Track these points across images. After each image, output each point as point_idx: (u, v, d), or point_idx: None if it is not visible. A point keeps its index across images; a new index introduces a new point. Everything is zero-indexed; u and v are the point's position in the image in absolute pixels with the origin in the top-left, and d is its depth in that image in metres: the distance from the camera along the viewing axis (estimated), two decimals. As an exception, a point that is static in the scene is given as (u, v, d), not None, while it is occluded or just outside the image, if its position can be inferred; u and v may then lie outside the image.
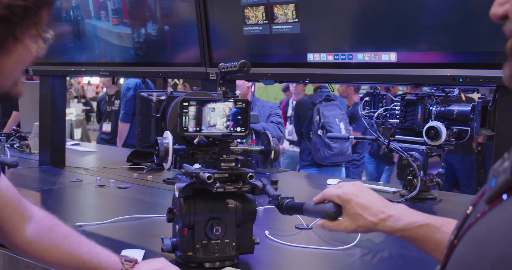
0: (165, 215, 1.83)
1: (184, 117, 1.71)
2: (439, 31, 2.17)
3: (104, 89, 7.47)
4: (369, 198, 1.46)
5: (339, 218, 1.48)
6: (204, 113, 1.72)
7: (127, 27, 3.08)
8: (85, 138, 11.18)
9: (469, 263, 0.79)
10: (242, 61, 1.69)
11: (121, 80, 6.87)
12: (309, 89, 6.63)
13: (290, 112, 6.66)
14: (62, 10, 3.45)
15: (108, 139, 6.19)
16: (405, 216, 1.40)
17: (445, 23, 2.15)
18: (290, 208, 1.62)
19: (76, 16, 3.40)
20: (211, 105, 1.73)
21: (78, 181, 3.10)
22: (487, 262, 0.74)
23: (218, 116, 1.73)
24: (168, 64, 2.95)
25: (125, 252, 1.76)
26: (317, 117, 5.34)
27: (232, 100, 1.75)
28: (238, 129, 1.74)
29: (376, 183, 3.61)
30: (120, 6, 3.09)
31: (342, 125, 5.34)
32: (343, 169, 5.67)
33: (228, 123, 1.74)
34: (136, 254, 1.78)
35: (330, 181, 3.38)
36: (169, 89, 2.17)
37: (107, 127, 6.26)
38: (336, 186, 1.53)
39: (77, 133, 11.29)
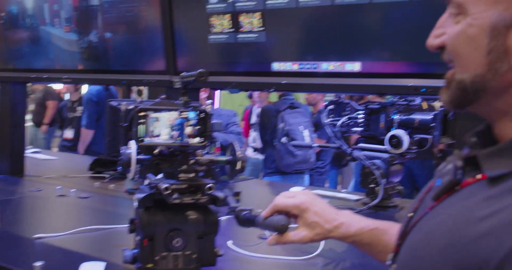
0: (127, 225, 1.78)
1: (140, 128, 1.65)
2: (402, 41, 2.18)
3: (66, 96, 7.41)
4: (322, 206, 1.45)
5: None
6: (161, 123, 1.67)
7: (93, 34, 3.04)
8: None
9: (419, 250, 0.90)
10: (199, 70, 1.65)
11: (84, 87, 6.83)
12: (274, 96, 6.64)
13: (254, 119, 6.66)
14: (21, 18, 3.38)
15: (70, 146, 6.08)
16: (355, 222, 1.40)
17: (408, 33, 2.16)
18: (246, 220, 1.58)
19: (32, 23, 3.35)
20: (167, 114, 1.67)
21: (38, 190, 2.98)
22: (435, 249, 0.85)
23: (176, 126, 1.68)
24: (132, 71, 2.91)
25: (85, 265, 1.72)
26: (281, 125, 5.36)
27: (192, 109, 1.69)
28: (197, 139, 1.68)
29: (339, 191, 3.59)
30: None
31: (306, 133, 5.36)
32: (307, 177, 5.69)
33: (186, 133, 1.68)
34: (97, 266, 1.73)
35: (293, 189, 3.33)
36: (133, 96, 2.13)
37: (69, 133, 6.17)
38: (286, 196, 1.52)
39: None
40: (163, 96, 3.78)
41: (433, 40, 0.96)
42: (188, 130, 1.67)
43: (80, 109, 6.06)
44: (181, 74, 1.74)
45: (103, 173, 3.42)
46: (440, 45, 0.94)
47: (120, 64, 2.99)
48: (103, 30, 3.01)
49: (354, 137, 5.16)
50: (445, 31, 0.94)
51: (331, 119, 3.17)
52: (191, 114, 1.66)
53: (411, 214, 1.03)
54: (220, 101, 8.41)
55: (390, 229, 1.36)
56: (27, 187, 3.10)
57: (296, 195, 1.52)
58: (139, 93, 6.92)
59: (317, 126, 5.91)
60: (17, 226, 2.15)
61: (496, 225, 0.78)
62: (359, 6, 2.17)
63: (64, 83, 4.40)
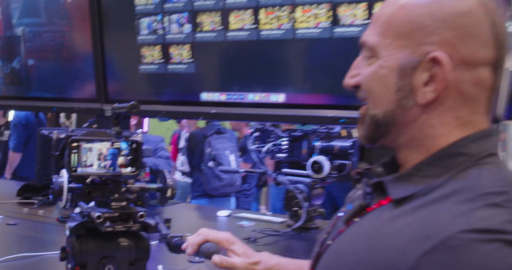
0: (58, 252, 1.70)
1: (72, 157, 1.63)
2: (322, 75, 2.27)
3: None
4: (243, 244, 1.49)
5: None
6: (91, 152, 1.65)
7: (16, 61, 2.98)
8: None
9: (333, 267, 0.96)
10: (131, 102, 1.66)
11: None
12: (201, 121, 6.69)
13: (182, 143, 6.66)
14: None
15: (-4, 171, 5.88)
16: (272, 259, 1.41)
17: (328, 68, 2.24)
18: (177, 247, 1.58)
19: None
20: (99, 145, 1.66)
21: None
22: (347, 265, 0.90)
23: (105, 156, 1.67)
24: (62, 99, 2.88)
25: None
26: (208, 149, 5.38)
27: (124, 140, 1.68)
28: (129, 169, 1.68)
29: (264, 214, 3.63)
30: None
31: (232, 157, 5.40)
32: (233, 199, 5.71)
33: (118, 162, 1.67)
34: None
35: (220, 213, 3.35)
36: (61, 120, 2.10)
37: (-5, 158, 5.96)
38: (210, 232, 1.51)
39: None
40: (93, 120, 3.74)
41: (349, 80, 1.00)
42: (120, 160, 1.67)
43: (7, 133, 5.89)
44: (113, 106, 1.70)
45: (32, 198, 3.28)
46: (355, 84, 0.99)
47: (46, 91, 2.95)
48: (26, 57, 2.98)
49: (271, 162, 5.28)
50: (359, 72, 0.99)
51: (257, 145, 3.20)
52: (123, 145, 1.67)
53: (325, 236, 1.06)
54: (149, 126, 8.37)
55: (303, 266, 1.37)
56: None
57: (217, 231, 1.53)
58: (68, 117, 6.79)
59: (243, 151, 5.95)
60: None
61: (400, 241, 0.83)
62: (283, 41, 2.25)
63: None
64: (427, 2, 0.92)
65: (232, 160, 5.37)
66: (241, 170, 3.50)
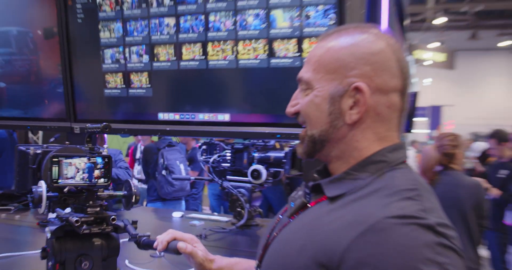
0: (38, 252, 1.70)
1: (53, 171, 1.65)
2: (260, 98, 2.30)
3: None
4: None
5: None
6: (71, 166, 1.67)
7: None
8: None
9: (281, 252, 0.98)
10: (104, 123, 1.69)
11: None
12: (155, 136, 6.61)
13: (138, 155, 6.57)
14: None
15: (-30, 181, 5.66)
16: (219, 259, 1.44)
17: (265, 92, 2.28)
18: (146, 245, 1.60)
19: None
20: (78, 160, 1.69)
21: None
22: (294, 249, 0.94)
23: (83, 169, 1.69)
24: (36, 119, 2.83)
25: None
26: (161, 160, 5.35)
27: (95, 154, 1.71)
28: (102, 180, 1.71)
29: (212, 215, 3.66)
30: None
31: (182, 166, 5.39)
32: (183, 202, 5.68)
33: (94, 175, 1.69)
34: None
35: (175, 214, 3.37)
36: (45, 145, 2.07)
37: (-31, 170, 5.73)
38: (177, 232, 1.50)
39: None
40: (58, 136, 3.69)
41: (290, 109, 1.06)
42: (96, 173, 1.70)
43: None
44: (87, 125, 1.73)
45: (8, 205, 3.24)
46: (295, 111, 1.05)
47: (19, 111, 2.91)
48: None
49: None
50: (298, 102, 1.04)
51: (204, 156, 3.24)
52: (99, 160, 1.70)
53: (270, 230, 1.10)
54: (106, 140, 8.21)
55: (250, 263, 1.38)
56: None
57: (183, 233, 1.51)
58: (34, 133, 6.60)
59: (190, 161, 5.97)
60: None
61: (337, 228, 0.88)
62: (227, 70, 2.29)
63: None
64: (348, 44, 1.00)
65: (182, 169, 5.36)
66: (192, 177, 3.54)
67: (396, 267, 0.80)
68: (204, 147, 3.29)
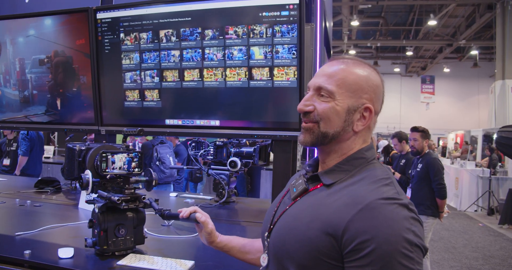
0: (76, 223, 1.77)
1: (103, 163, 1.65)
2: (242, 109, 2.31)
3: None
4: None
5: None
6: (117, 160, 1.68)
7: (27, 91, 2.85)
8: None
9: (291, 224, 0.97)
10: (139, 128, 1.69)
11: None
12: (149, 136, 6.48)
13: (137, 149, 6.49)
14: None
15: (7, 170, 5.42)
16: (222, 235, 1.40)
17: (245, 105, 2.29)
18: (169, 216, 1.59)
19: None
20: (120, 155, 1.69)
21: (2, 202, 2.65)
22: (304, 222, 0.94)
23: (122, 162, 1.70)
24: (71, 123, 2.74)
25: (60, 250, 1.61)
26: (155, 154, 5.30)
27: (132, 150, 1.72)
28: (137, 169, 1.72)
29: (198, 194, 3.65)
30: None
31: (171, 159, 5.37)
32: (172, 185, 5.64)
33: (132, 166, 1.71)
34: (69, 251, 1.62)
35: (171, 194, 3.35)
36: (87, 143, 2.00)
37: (7, 161, 5.48)
38: (198, 209, 1.44)
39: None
40: (85, 137, 3.58)
41: (304, 107, 1.02)
42: (133, 164, 1.71)
43: (15, 145, 5.45)
44: (124, 129, 1.73)
45: (45, 189, 3.13)
46: (309, 111, 1.01)
47: (58, 117, 2.83)
48: (32, 89, 2.86)
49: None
50: (313, 104, 1.02)
51: (194, 151, 3.24)
52: (135, 154, 1.72)
53: (275, 209, 1.09)
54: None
55: (241, 239, 1.39)
56: None
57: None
58: (68, 134, 6.36)
59: (176, 154, 5.96)
60: (2, 229, 1.95)
61: (339, 206, 0.90)
62: (218, 88, 2.30)
63: (27, 130, 3.76)
64: (365, 75, 1.01)
65: (171, 160, 5.34)
66: (185, 167, 3.49)
67: (385, 234, 0.83)
68: (193, 144, 3.29)
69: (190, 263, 1.57)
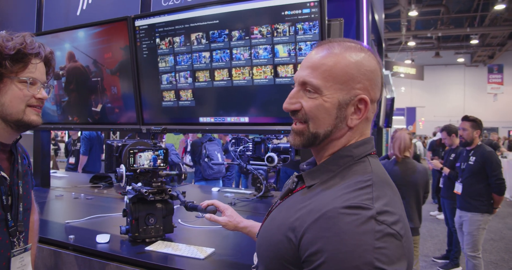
0: (120, 213, 1.85)
1: (131, 159, 1.81)
2: (269, 106, 2.34)
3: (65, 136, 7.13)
4: (233, 211, 1.51)
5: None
6: (143, 156, 1.83)
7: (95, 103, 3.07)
8: (55, 167, 10.44)
9: (267, 227, 0.94)
10: (162, 127, 1.82)
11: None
12: (199, 134, 6.73)
13: (189, 147, 6.75)
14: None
15: (73, 168, 5.93)
16: (245, 221, 1.46)
17: (272, 101, 2.32)
18: (191, 207, 1.71)
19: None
20: (147, 153, 1.84)
21: (60, 195, 2.96)
22: (275, 225, 0.89)
23: (148, 158, 1.84)
24: (117, 123, 2.90)
25: (98, 236, 1.80)
26: (204, 151, 5.46)
27: (158, 148, 1.86)
28: (162, 164, 1.86)
29: (239, 189, 3.75)
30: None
31: (219, 155, 5.50)
32: (221, 181, 5.80)
33: (158, 162, 1.85)
34: (105, 237, 1.80)
35: (213, 189, 3.50)
36: (125, 139, 2.16)
37: (72, 160, 5.99)
38: (217, 201, 1.54)
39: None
40: (130, 135, 3.85)
41: (289, 106, 0.93)
42: (158, 161, 1.86)
43: (78, 144, 5.94)
44: (151, 128, 1.86)
45: (98, 183, 3.41)
46: (296, 109, 0.91)
47: (108, 118, 3.04)
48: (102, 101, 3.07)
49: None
50: (299, 101, 0.91)
51: (234, 147, 3.35)
52: (160, 152, 1.86)
53: (270, 209, 1.04)
54: (165, 137, 8.41)
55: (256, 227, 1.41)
56: (54, 194, 3.07)
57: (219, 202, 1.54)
58: (114, 132, 6.79)
59: (226, 151, 6.11)
60: (52, 216, 2.16)
61: (304, 211, 0.83)
62: (246, 86, 2.35)
63: (79, 130, 4.03)
64: (354, 61, 0.89)
65: (219, 157, 5.48)
66: (225, 162, 3.62)
67: (336, 249, 0.73)
68: (233, 140, 3.41)
69: (210, 250, 1.68)
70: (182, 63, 2.56)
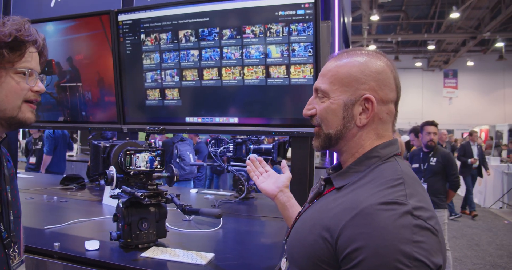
0: (103, 217, 1.75)
1: (127, 160, 1.72)
2: (260, 106, 2.33)
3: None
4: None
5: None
6: (140, 157, 1.75)
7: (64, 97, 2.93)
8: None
9: (299, 229, 0.97)
10: (161, 127, 1.75)
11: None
12: (170, 134, 6.57)
13: (157, 147, 6.59)
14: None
15: (33, 168, 5.62)
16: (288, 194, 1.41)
17: (263, 102, 2.30)
18: (190, 211, 1.67)
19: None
20: (143, 154, 1.76)
21: (31, 198, 2.78)
22: (307, 226, 0.92)
23: (145, 159, 1.76)
24: (95, 122, 2.81)
25: (87, 242, 1.69)
26: (176, 151, 5.37)
27: (155, 149, 1.79)
28: (159, 166, 1.79)
29: (218, 190, 3.70)
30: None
31: (191, 156, 5.43)
32: (192, 182, 5.72)
33: (155, 164, 1.77)
34: (95, 243, 1.70)
35: (192, 190, 3.41)
36: (112, 140, 2.05)
37: (33, 160, 5.68)
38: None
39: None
40: (94, 134, 3.68)
41: (306, 112, 1.00)
42: (156, 163, 1.78)
43: (40, 143, 5.65)
44: (147, 127, 1.78)
45: (70, 185, 3.25)
46: (311, 114, 0.99)
47: (82, 116, 2.92)
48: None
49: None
50: (314, 107, 0.99)
51: (214, 148, 3.30)
52: (157, 153, 1.78)
53: (299, 213, 1.06)
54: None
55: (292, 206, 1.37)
56: (23, 196, 2.82)
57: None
58: (90, 132, 6.51)
59: (197, 152, 6.04)
60: (28, 222, 2.03)
61: (338, 211, 0.85)
62: (237, 86, 2.32)
63: (53, 129, 3.82)
64: (358, 64, 0.95)
65: (191, 157, 5.41)
66: (205, 164, 3.55)
67: (376, 244, 0.76)
68: (213, 141, 3.34)
69: (210, 255, 1.62)
70: (169, 61, 2.49)
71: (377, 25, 18.15)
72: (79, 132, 8.44)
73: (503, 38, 17.28)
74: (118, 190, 1.84)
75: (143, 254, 1.64)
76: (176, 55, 2.45)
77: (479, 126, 17.13)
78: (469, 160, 7.85)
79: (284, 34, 2.21)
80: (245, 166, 3.01)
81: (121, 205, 1.73)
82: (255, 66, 2.28)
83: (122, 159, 1.73)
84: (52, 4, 3.09)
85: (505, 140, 12.06)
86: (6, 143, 1.26)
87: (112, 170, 1.77)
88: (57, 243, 1.71)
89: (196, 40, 2.38)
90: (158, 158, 1.76)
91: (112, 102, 2.66)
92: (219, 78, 2.37)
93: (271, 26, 2.23)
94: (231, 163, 3.21)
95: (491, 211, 8.66)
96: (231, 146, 3.20)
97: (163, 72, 2.51)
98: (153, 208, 1.79)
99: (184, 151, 5.35)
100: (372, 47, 19.01)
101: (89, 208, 2.57)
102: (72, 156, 7.37)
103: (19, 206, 1.23)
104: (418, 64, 22.35)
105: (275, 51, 2.24)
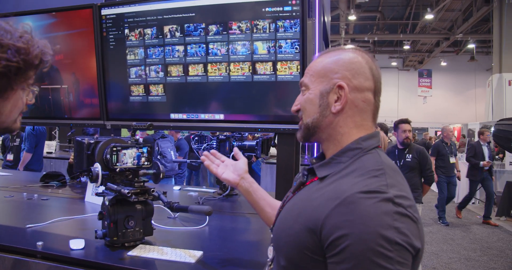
0: (84, 215, 1.73)
1: (113, 157, 1.67)
2: (245, 102, 2.30)
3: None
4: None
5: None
6: (127, 154, 1.70)
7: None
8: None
9: (284, 219, 0.98)
10: (148, 123, 1.71)
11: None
12: (150, 131, 6.48)
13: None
14: None
15: (11, 166, 5.43)
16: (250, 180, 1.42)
17: (249, 98, 2.28)
18: (178, 209, 1.63)
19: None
20: (131, 150, 1.71)
21: (10, 196, 2.67)
22: (292, 216, 0.93)
23: (133, 156, 1.72)
24: (78, 118, 2.73)
25: (72, 241, 1.64)
26: (157, 148, 5.30)
27: (142, 145, 1.74)
28: (147, 163, 1.74)
29: (201, 187, 3.67)
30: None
31: (172, 153, 5.37)
32: (173, 179, 5.65)
33: (142, 160, 1.72)
34: (80, 242, 1.64)
35: (175, 187, 3.36)
36: (96, 136, 1.99)
37: (10, 157, 5.49)
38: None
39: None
40: (73, 131, 3.59)
41: (293, 107, 1.05)
42: (143, 159, 1.73)
43: (18, 140, 5.46)
44: (133, 123, 1.74)
45: (50, 183, 3.15)
46: (297, 109, 1.04)
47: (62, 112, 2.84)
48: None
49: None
50: (299, 102, 1.04)
51: (197, 145, 3.25)
52: (145, 149, 1.74)
53: (283, 203, 1.08)
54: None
55: (272, 200, 1.40)
56: (1, 194, 2.75)
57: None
58: (71, 128, 6.34)
59: (178, 148, 5.97)
60: (9, 220, 1.94)
61: (322, 200, 0.86)
62: (222, 83, 2.29)
63: (33, 125, 3.69)
64: (333, 57, 1.00)
65: (172, 154, 5.35)
66: (188, 161, 3.50)
67: (360, 230, 0.78)
68: (196, 138, 3.29)
69: (199, 253, 1.59)
70: (153, 56, 2.44)
71: (355, 25, 18.36)
72: (57, 128, 8.21)
73: (474, 40, 17.75)
74: (103, 188, 1.79)
75: (130, 253, 1.60)
76: (161, 51, 2.40)
77: (452, 124, 17.55)
78: (481, 163, 6.95)
79: (270, 31, 2.19)
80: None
81: (107, 202, 1.67)
82: (241, 63, 2.26)
83: (108, 156, 1.67)
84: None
85: (476, 138, 12.40)
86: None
87: (97, 167, 1.71)
88: (40, 243, 1.64)
89: (182, 35, 2.34)
90: (145, 155, 1.72)
91: (95, 98, 2.58)
92: (204, 74, 2.34)
93: (257, 23, 2.20)
94: (215, 160, 3.22)
95: (464, 206, 8.88)
96: (215, 143, 3.20)
97: (147, 68, 2.46)
98: (139, 205, 1.75)
99: (165, 148, 5.29)
100: (350, 46, 19.23)
101: (72, 206, 2.49)
102: (51, 153, 7.17)
103: None
104: (394, 63, 22.75)
105: (261, 48, 2.22)
